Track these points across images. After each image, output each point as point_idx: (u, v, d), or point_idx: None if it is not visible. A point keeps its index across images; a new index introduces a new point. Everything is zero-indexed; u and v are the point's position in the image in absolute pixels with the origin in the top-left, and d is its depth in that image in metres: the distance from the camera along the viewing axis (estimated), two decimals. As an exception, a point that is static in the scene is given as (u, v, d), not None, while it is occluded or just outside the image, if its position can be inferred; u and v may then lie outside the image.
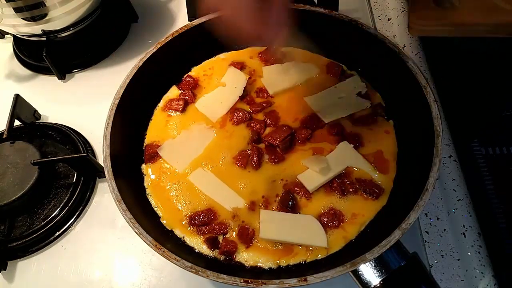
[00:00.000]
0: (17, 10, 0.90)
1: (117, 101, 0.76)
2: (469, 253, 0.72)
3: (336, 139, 0.78)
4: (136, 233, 0.62)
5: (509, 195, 0.89)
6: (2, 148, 0.85)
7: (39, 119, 0.98)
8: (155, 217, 0.73)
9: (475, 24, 0.76)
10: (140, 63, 0.81)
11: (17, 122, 0.91)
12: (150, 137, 0.83)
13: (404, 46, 1.00)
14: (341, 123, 0.81)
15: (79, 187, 0.84)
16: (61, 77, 1.05)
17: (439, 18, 0.77)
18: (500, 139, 0.96)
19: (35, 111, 0.97)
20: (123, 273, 0.76)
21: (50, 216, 0.81)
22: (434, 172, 0.63)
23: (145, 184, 0.77)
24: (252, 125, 0.81)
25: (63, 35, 1.01)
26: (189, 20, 1.03)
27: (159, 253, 0.60)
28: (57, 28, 0.98)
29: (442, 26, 0.78)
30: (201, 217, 0.71)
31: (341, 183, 0.73)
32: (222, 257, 0.68)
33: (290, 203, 0.71)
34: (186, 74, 0.91)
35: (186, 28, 0.86)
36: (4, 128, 0.88)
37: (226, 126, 0.82)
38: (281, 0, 0.64)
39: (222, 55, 0.93)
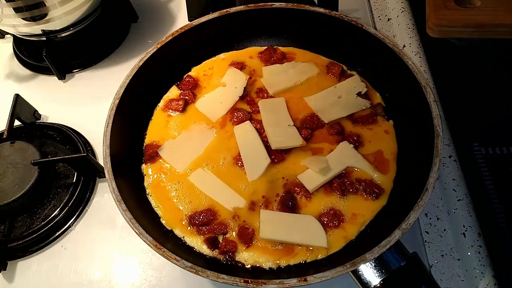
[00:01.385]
0: (17, 10, 0.90)
1: (117, 101, 0.76)
2: (469, 253, 0.72)
3: (336, 139, 0.78)
4: (136, 233, 0.62)
5: (509, 195, 0.89)
6: (2, 148, 0.85)
7: (39, 119, 0.98)
8: (155, 217, 0.73)
9: (496, 25, 0.73)
10: (140, 63, 0.81)
11: (17, 122, 0.91)
12: (150, 137, 0.83)
13: (404, 46, 1.00)
14: (341, 123, 0.81)
15: (79, 187, 0.84)
16: (61, 77, 1.05)
17: (459, 19, 0.73)
18: (500, 139, 0.96)
19: (35, 111, 0.97)
20: (123, 273, 0.76)
21: (50, 216, 0.81)
22: (434, 172, 0.63)
23: (145, 184, 0.77)
24: (252, 125, 0.81)
25: (63, 35, 1.01)
26: (189, 20, 1.03)
27: (159, 253, 0.60)
28: (57, 28, 0.98)
29: (462, 27, 0.74)
30: (201, 217, 0.71)
31: (341, 183, 0.73)
32: (222, 257, 0.68)
33: (290, 203, 0.71)
34: (186, 74, 0.91)
35: (186, 28, 0.87)
36: (4, 128, 0.88)
37: (227, 126, 0.82)
38: None
39: (222, 55, 0.93)
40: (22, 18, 0.92)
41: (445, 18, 0.74)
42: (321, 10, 0.85)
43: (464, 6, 0.75)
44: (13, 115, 0.89)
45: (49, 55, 1.00)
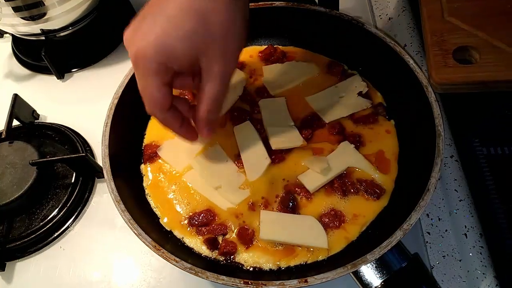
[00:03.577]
0: (16, 9, 0.89)
1: (116, 101, 0.76)
2: (470, 254, 0.72)
3: (337, 139, 0.78)
4: (135, 234, 0.61)
5: (511, 196, 0.88)
6: (1, 148, 0.84)
7: (38, 119, 0.97)
8: (154, 217, 0.72)
9: (497, 82, 0.72)
10: (139, 63, 0.81)
11: (15, 122, 0.91)
12: (149, 137, 0.82)
13: (405, 45, 1.00)
14: (341, 123, 0.80)
15: (77, 188, 0.84)
16: (60, 76, 1.05)
17: (460, 77, 0.72)
18: (502, 139, 0.96)
19: (34, 111, 0.97)
20: (122, 274, 0.76)
21: (48, 216, 0.81)
22: (436, 172, 0.63)
23: (144, 184, 0.76)
24: (252, 125, 0.80)
25: (62, 34, 1.01)
26: (189, 19, 1.02)
27: (158, 254, 0.60)
28: (56, 28, 0.98)
29: (464, 84, 0.73)
30: (200, 218, 0.71)
31: (342, 184, 0.72)
32: (221, 258, 0.67)
33: (290, 204, 0.71)
34: (186, 74, 0.90)
35: (185, 27, 0.86)
36: (3, 128, 0.88)
37: (226, 126, 0.82)
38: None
39: (222, 55, 0.93)
40: (21, 18, 0.91)
41: (446, 77, 0.73)
42: (322, 9, 0.85)
43: (464, 61, 0.75)
44: (11, 115, 0.88)
45: (48, 55, 0.99)
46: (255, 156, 0.76)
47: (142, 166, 0.78)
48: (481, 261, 0.71)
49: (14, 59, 1.11)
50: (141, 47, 0.51)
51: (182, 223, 0.71)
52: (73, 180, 0.85)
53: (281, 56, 0.90)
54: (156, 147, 0.80)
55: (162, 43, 0.50)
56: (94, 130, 0.93)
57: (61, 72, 1.05)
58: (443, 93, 0.75)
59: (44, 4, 0.90)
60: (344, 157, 0.75)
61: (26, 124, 0.93)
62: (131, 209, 0.64)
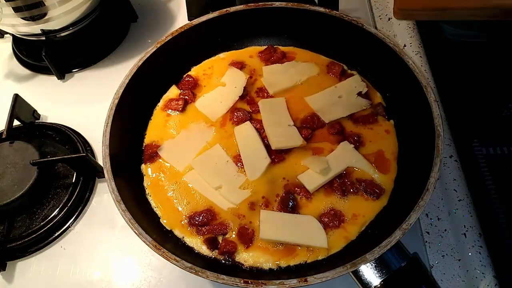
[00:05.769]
0: (16, 9, 0.89)
1: (116, 101, 0.76)
2: (470, 254, 0.72)
3: (337, 138, 0.78)
4: (136, 233, 0.62)
5: (510, 195, 0.89)
6: (1, 148, 0.84)
7: (38, 119, 0.97)
8: (154, 217, 0.72)
9: (457, 8, 0.75)
10: (140, 63, 0.81)
11: (16, 122, 0.91)
12: (149, 137, 0.82)
13: (405, 45, 1.00)
14: (341, 123, 0.80)
15: (78, 187, 0.84)
16: (61, 76, 1.05)
17: (419, 2, 0.76)
18: (501, 139, 0.96)
19: (34, 111, 0.97)
20: (122, 273, 0.76)
21: (49, 216, 0.81)
22: (435, 172, 0.63)
23: (145, 184, 0.76)
24: (252, 125, 0.81)
25: (62, 34, 1.01)
26: (189, 19, 1.03)
27: (158, 254, 0.60)
28: (56, 28, 0.98)
29: (426, 10, 0.77)
30: (200, 217, 0.71)
31: (342, 183, 0.73)
32: (221, 258, 0.68)
33: (290, 203, 0.71)
34: (186, 74, 0.91)
35: (186, 28, 0.86)
36: (3, 128, 0.88)
37: (226, 126, 0.82)
38: None
39: (221, 55, 0.93)
40: (22, 18, 0.92)
41: (407, 2, 0.80)
42: (322, 9, 0.85)
43: None
44: (12, 115, 0.88)
45: (48, 55, 0.99)
46: (255, 156, 0.76)
47: (143, 166, 0.79)
48: (480, 261, 0.71)
49: (14, 59, 1.12)
50: None
51: (182, 222, 0.71)
52: (73, 180, 0.85)
53: (281, 56, 0.90)
54: (156, 147, 0.80)
55: None
56: (94, 130, 0.93)
57: (62, 72, 1.05)
58: (402, 19, 0.82)
59: (44, 5, 0.90)
60: (344, 157, 0.75)
61: (27, 124, 0.94)
62: (131, 208, 0.65)
